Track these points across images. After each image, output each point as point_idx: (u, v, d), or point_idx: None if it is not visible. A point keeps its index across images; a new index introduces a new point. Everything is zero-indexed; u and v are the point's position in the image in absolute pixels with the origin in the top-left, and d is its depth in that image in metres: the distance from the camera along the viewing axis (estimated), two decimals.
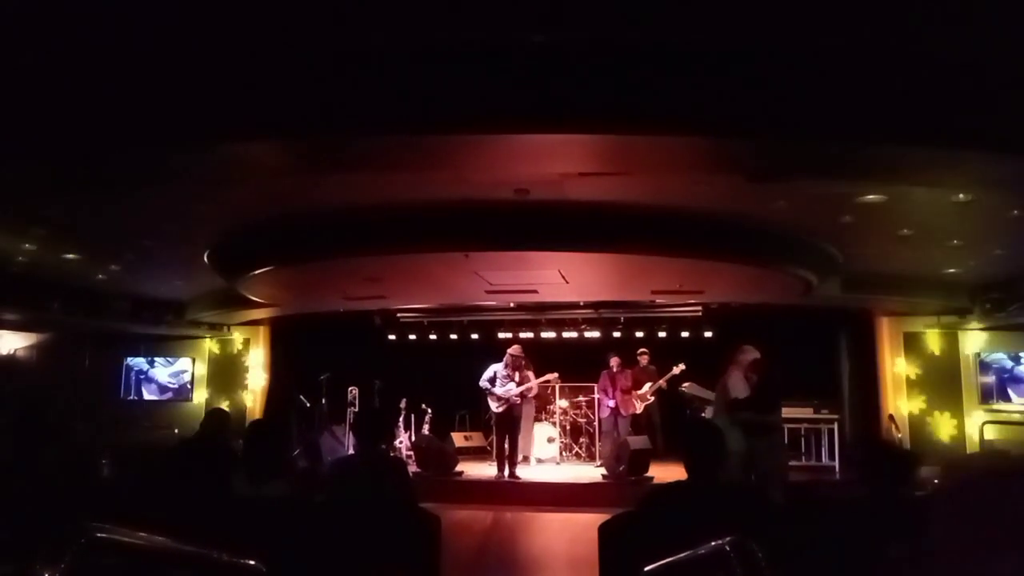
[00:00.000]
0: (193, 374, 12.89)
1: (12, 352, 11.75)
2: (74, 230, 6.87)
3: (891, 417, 10.35)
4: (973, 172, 4.57)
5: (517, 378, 10.08)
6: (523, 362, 10.33)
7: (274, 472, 3.73)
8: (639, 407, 11.10)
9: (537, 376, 10.60)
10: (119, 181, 4.86)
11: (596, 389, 11.42)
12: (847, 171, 4.75)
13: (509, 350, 10.25)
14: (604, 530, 3.58)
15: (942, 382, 10.65)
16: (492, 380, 10.02)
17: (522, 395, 10.18)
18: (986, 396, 10.49)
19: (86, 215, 6.36)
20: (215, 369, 12.94)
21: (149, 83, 3.67)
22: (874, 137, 3.89)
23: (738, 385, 7.36)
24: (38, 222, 6.52)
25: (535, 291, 9.28)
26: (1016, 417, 10.13)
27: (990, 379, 10.51)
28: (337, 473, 4.56)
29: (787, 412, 8.51)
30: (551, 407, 11.87)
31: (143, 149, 3.99)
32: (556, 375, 11.17)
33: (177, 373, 12.94)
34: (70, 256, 7.88)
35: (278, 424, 10.97)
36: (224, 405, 11.99)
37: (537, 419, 11.74)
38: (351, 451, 10.42)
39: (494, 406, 10.05)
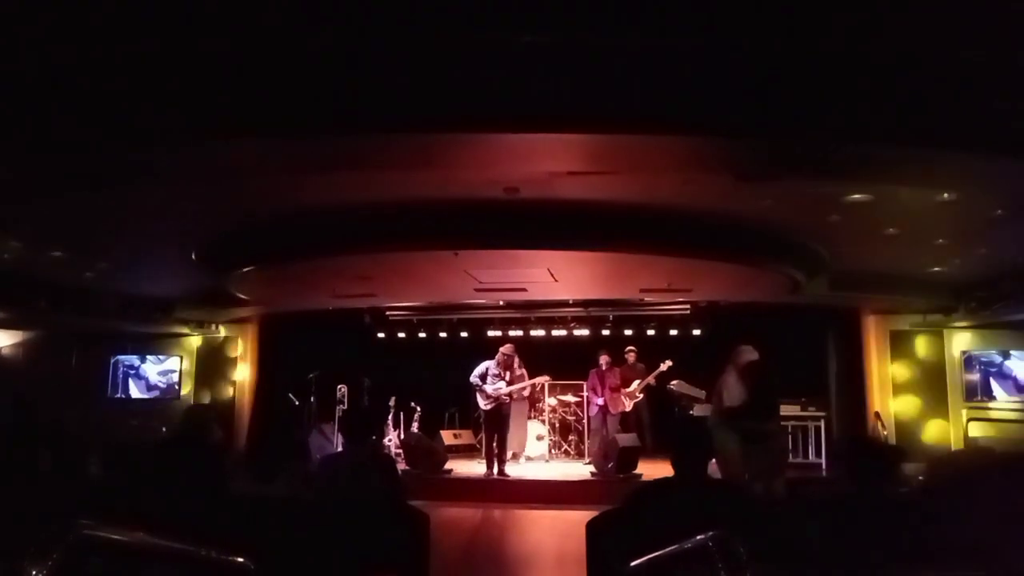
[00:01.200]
0: (181, 372, 12.83)
1: None
2: (61, 228, 6.83)
3: (877, 415, 10.42)
4: (958, 172, 4.62)
5: (508, 377, 10.11)
6: (515, 361, 10.36)
7: (274, 471, 3.74)
8: (628, 405, 11.14)
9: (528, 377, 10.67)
10: (106, 179, 4.84)
11: (585, 387, 11.46)
12: (834, 170, 4.79)
13: (501, 349, 10.28)
14: (592, 527, 3.62)
15: (928, 379, 10.74)
16: (483, 377, 10.04)
17: (511, 394, 10.21)
18: (971, 393, 10.59)
19: (73, 212, 6.32)
20: (203, 367, 12.87)
21: (135, 81, 3.66)
22: (861, 137, 3.92)
23: (734, 390, 7.33)
24: (24, 219, 6.47)
25: (524, 289, 9.30)
26: (1001, 414, 10.23)
27: (975, 376, 10.62)
28: (326, 471, 4.57)
29: None
30: (540, 405, 11.90)
31: (130, 147, 3.98)
32: (547, 378, 11.25)
33: (165, 371, 12.88)
34: (56, 254, 7.83)
35: (277, 424, 11.00)
36: (212, 403, 11.95)
37: (528, 417, 11.78)
38: (339, 449, 10.41)
39: (483, 403, 10.07)
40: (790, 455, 10.71)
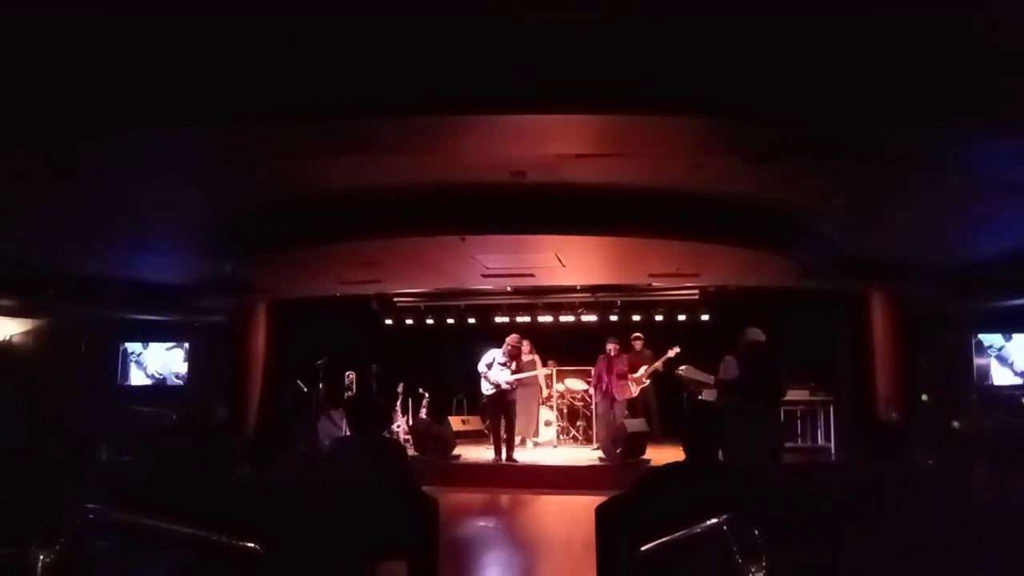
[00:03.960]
0: (190, 359, 12.88)
1: (8, 338, 11.73)
2: (68, 215, 6.83)
3: (886, 398, 10.38)
4: (969, 153, 4.57)
5: (513, 366, 10.14)
6: (520, 351, 10.37)
7: (274, 455, 3.73)
8: (634, 391, 11.12)
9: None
10: (111, 165, 4.83)
11: (592, 373, 11.45)
12: (843, 153, 4.74)
13: (508, 339, 10.29)
14: (601, 512, 3.60)
15: (937, 363, 10.70)
16: (490, 365, 10.08)
17: (515, 382, 10.23)
18: (981, 377, 10.57)
19: (80, 200, 6.32)
20: (211, 354, 12.91)
21: (139, 64, 3.63)
22: (870, 119, 3.87)
23: (730, 367, 7.42)
24: (31, 207, 6.47)
25: (532, 275, 9.27)
26: (1010, 397, 10.22)
27: (985, 360, 10.60)
28: (335, 456, 4.57)
29: None
30: (548, 391, 11.91)
31: (135, 131, 3.97)
32: (552, 367, 11.32)
33: (174, 359, 12.94)
34: (63, 242, 7.84)
35: (284, 410, 11.05)
36: (220, 390, 11.98)
37: (539, 403, 11.79)
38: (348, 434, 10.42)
39: (485, 389, 10.10)
40: (799, 439, 10.73)
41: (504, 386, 10.02)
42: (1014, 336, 10.56)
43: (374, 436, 4.54)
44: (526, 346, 10.61)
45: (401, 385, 11.75)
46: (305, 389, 11.52)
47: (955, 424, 9.98)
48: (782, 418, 8.81)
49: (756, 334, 7.43)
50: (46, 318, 11.88)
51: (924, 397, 10.44)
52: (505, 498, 8.94)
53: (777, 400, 7.50)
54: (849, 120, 3.93)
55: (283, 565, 2.54)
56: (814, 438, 10.77)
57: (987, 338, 10.67)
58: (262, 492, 3.16)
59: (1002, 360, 10.59)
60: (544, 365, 11.57)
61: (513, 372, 10.13)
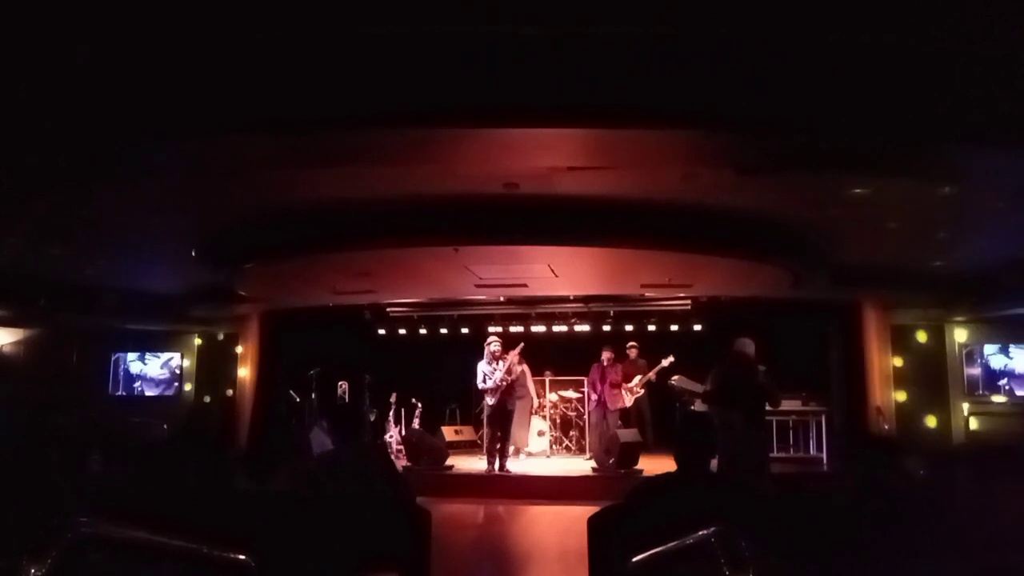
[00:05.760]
0: (182, 369, 12.83)
1: None
2: (59, 225, 6.81)
3: (878, 409, 10.41)
4: (959, 165, 4.60)
5: (499, 365, 10.06)
6: (501, 350, 10.28)
7: (272, 467, 3.72)
8: (628, 401, 11.13)
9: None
10: (105, 175, 4.83)
11: (586, 382, 11.46)
12: (835, 164, 4.77)
13: (486, 344, 10.22)
14: (593, 522, 3.60)
15: (929, 374, 10.73)
16: (485, 376, 10.05)
17: (513, 388, 10.17)
18: (972, 388, 10.59)
19: (71, 209, 6.31)
20: (204, 364, 12.87)
21: (133, 75, 3.64)
22: (862, 131, 3.90)
23: (712, 378, 7.52)
24: (23, 216, 6.46)
25: (525, 285, 9.29)
26: (1001, 408, 10.25)
27: (976, 371, 10.63)
28: (325, 468, 4.56)
29: None
30: (542, 400, 11.90)
31: (127, 142, 3.97)
32: (548, 375, 11.32)
33: (166, 369, 12.89)
34: (55, 251, 7.81)
35: (276, 420, 11.00)
36: (213, 400, 11.95)
37: (531, 413, 11.77)
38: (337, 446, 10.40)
39: (490, 400, 10.03)
40: (791, 449, 10.75)
41: (507, 393, 9.96)
42: (1009, 347, 10.59)
43: (361, 446, 4.53)
44: (516, 356, 10.55)
45: (394, 395, 11.74)
46: (297, 399, 11.49)
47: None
48: (766, 430, 8.80)
49: (742, 344, 7.43)
50: (38, 328, 11.82)
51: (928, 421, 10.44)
52: (498, 509, 8.93)
53: (758, 411, 7.41)
54: (841, 132, 3.95)
55: None
56: (806, 448, 10.79)
57: (984, 350, 10.70)
58: (253, 504, 3.15)
59: (997, 371, 10.62)
60: (540, 376, 11.57)
61: (505, 372, 10.06)
